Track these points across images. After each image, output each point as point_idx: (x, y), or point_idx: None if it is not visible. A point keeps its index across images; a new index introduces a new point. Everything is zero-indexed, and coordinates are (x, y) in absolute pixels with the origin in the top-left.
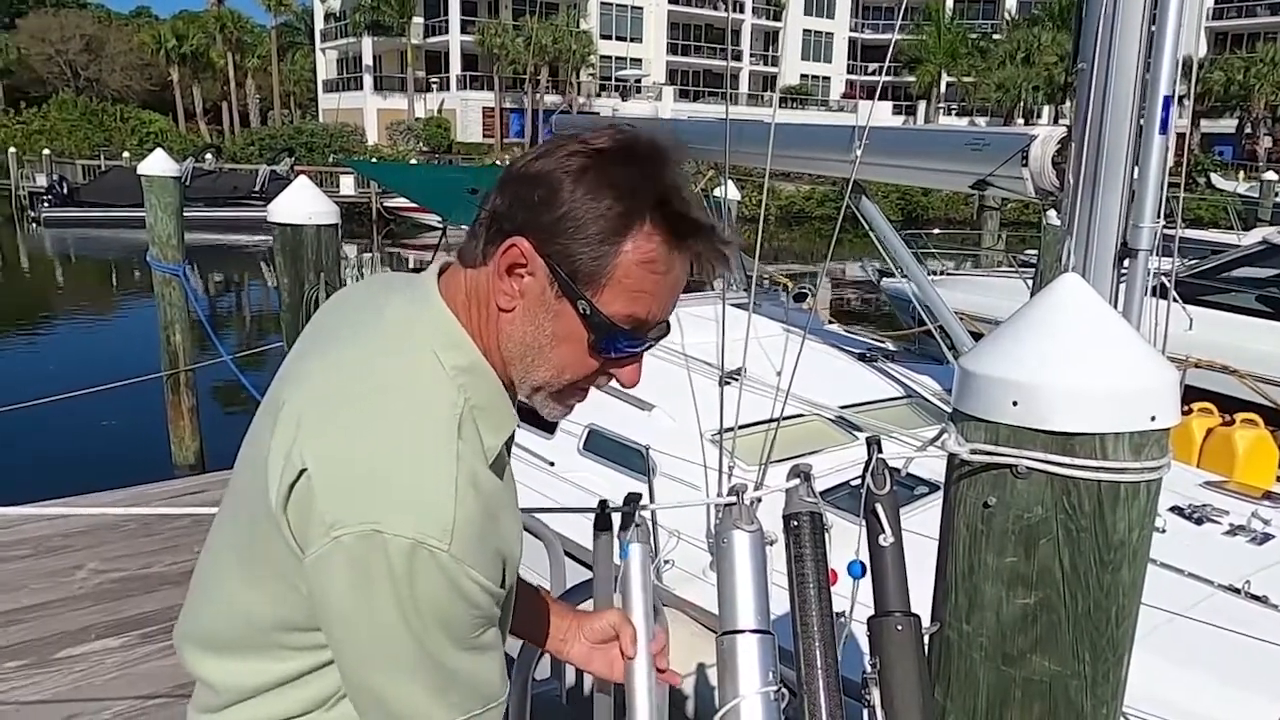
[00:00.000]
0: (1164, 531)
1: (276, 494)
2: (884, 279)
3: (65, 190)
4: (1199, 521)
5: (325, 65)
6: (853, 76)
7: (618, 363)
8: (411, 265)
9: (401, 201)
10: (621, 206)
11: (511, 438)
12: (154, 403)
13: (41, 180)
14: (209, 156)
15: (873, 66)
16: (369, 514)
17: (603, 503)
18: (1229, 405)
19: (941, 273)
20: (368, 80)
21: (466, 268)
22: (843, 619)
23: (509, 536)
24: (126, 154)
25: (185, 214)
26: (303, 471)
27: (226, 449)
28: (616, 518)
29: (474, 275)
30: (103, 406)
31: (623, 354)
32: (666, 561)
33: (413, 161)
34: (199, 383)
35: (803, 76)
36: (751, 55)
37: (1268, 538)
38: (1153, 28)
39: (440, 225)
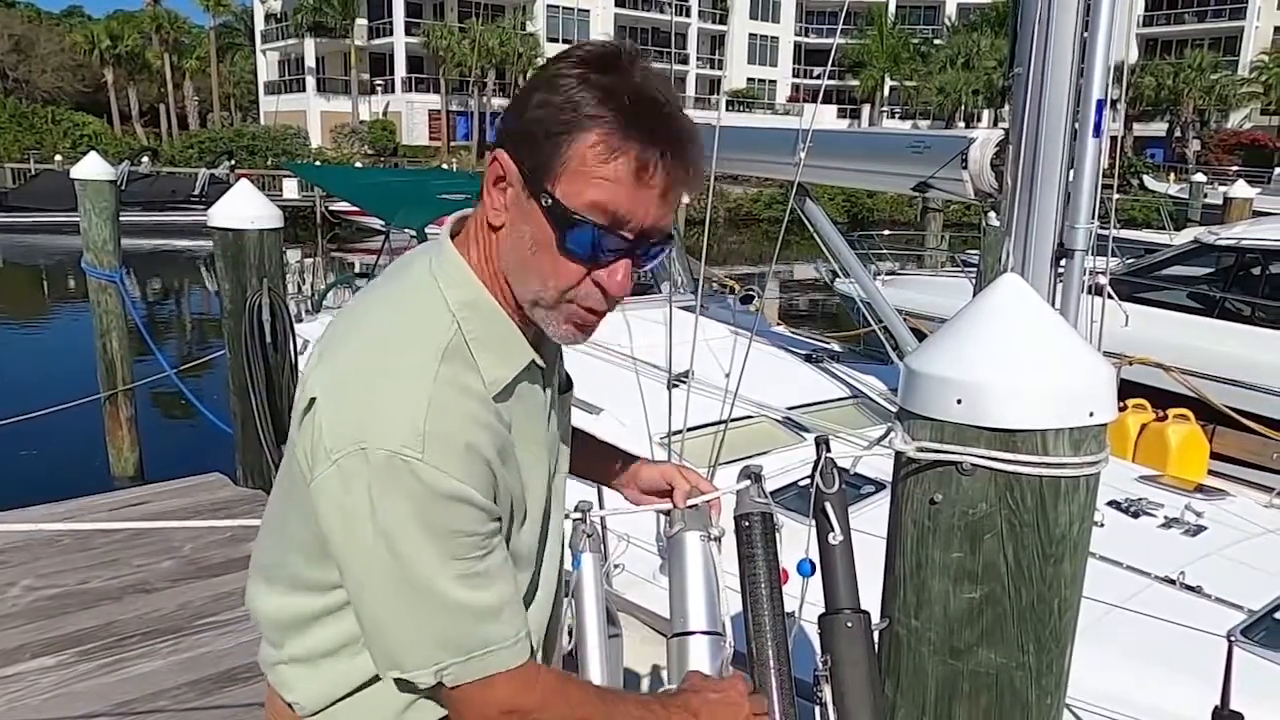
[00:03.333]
0: (1102, 525)
1: (295, 420)
2: (836, 280)
3: None
4: (1135, 515)
5: (266, 67)
6: (798, 80)
7: (599, 266)
8: (358, 270)
9: (346, 205)
10: (577, 97)
11: (551, 374)
12: (91, 412)
13: None
14: (145, 160)
15: (818, 70)
16: (357, 435)
17: None
18: (1162, 400)
19: (891, 273)
20: (310, 82)
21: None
22: (794, 617)
23: (525, 468)
24: (59, 157)
25: (121, 219)
26: (313, 400)
27: (166, 459)
28: (568, 525)
29: (479, 211)
30: (37, 416)
31: (596, 254)
32: (616, 566)
33: (358, 164)
34: (138, 392)
35: (749, 80)
36: (698, 59)
37: (1200, 529)
38: (1085, 34)
39: (384, 230)
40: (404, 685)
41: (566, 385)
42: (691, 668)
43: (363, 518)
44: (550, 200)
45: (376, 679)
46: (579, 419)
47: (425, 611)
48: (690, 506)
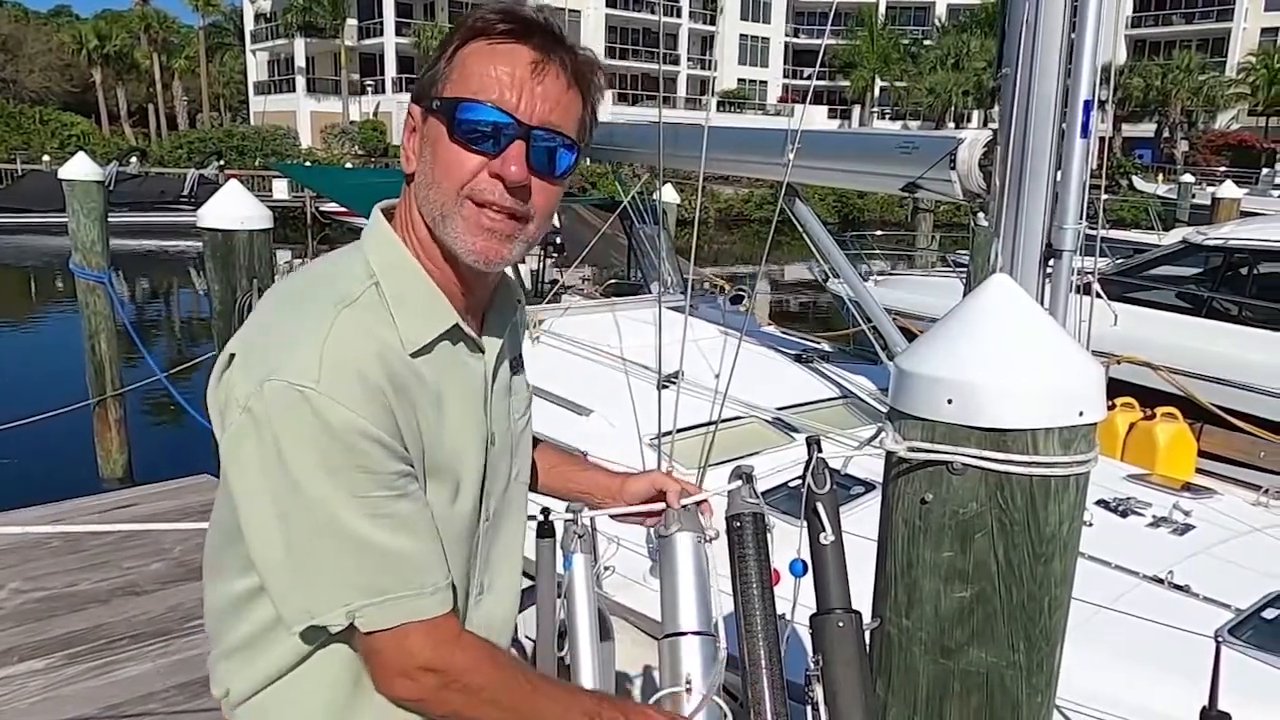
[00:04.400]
0: (1091, 524)
1: (214, 377)
2: (830, 280)
3: None
4: (1124, 514)
5: (256, 67)
6: (789, 81)
7: (493, 157)
8: None
9: (336, 206)
10: (460, 32)
11: (496, 358)
12: (80, 414)
13: None
14: (134, 160)
15: (808, 71)
16: (262, 373)
17: (545, 510)
18: (1150, 399)
19: (883, 273)
20: (300, 82)
21: None
22: (785, 618)
23: (453, 433)
24: (47, 158)
25: (110, 219)
26: (231, 356)
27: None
28: (560, 525)
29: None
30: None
31: (486, 139)
32: (607, 568)
33: (348, 165)
34: (127, 394)
35: (740, 81)
36: (689, 59)
37: (1188, 528)
38: (1073, 35)
39: None
40: (319, 641)
41: (518, 367)
42: (684, 668)
43: (266, 455)
44: (440, 102)
45: (302, 662)
46: (568, 427)
47: (332, 549)
48: (685, 506)
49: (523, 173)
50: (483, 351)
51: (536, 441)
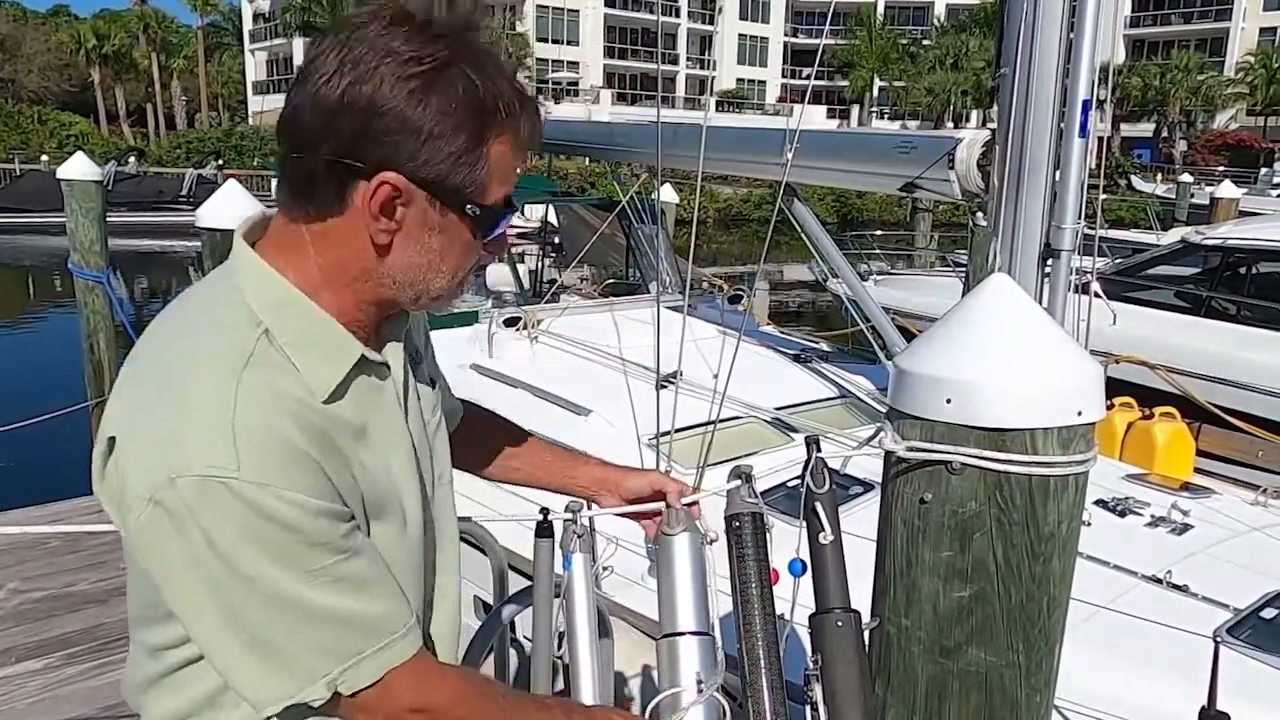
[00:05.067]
0: (1089, 524)
1: (96, 464)
2: (830, 279)
3: None
4: (1122, 514)
5: (255, 67)
6: (788, 81)
7: (494, 239)
8: None
9: None
10: (476, 110)
11: (398, 366)
12: (78, 414)
13: None
14: (132, 160)
15: (807, 71)
16: (166, 466)
17: (544, 510)
18: (1148, 398)
19: (883, 273)
20: None
21: (302, 222)
22: (784, 619)
23: (392, 469)
24: (45, 157)
25: (108, 219)
26: (111, 440)
27: None
28: (559, 525)
29: (318, 227)
30: (22, 417)
31: (501, 229)
32: (605, 568)
33: None
34: None
35: (739, 80)
36: (688, 59)
37: (1186, 528)
38: (1071, 35)
39: None
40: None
41: (417, 360)
42: (682, 668)
43: (196, 551)
44: (479, 210)
45: None
46: (567, 427)
47: (299, 626)
48: (686, 505)
49: (506, 241)
50: (389, 367)
51: (525, 434)
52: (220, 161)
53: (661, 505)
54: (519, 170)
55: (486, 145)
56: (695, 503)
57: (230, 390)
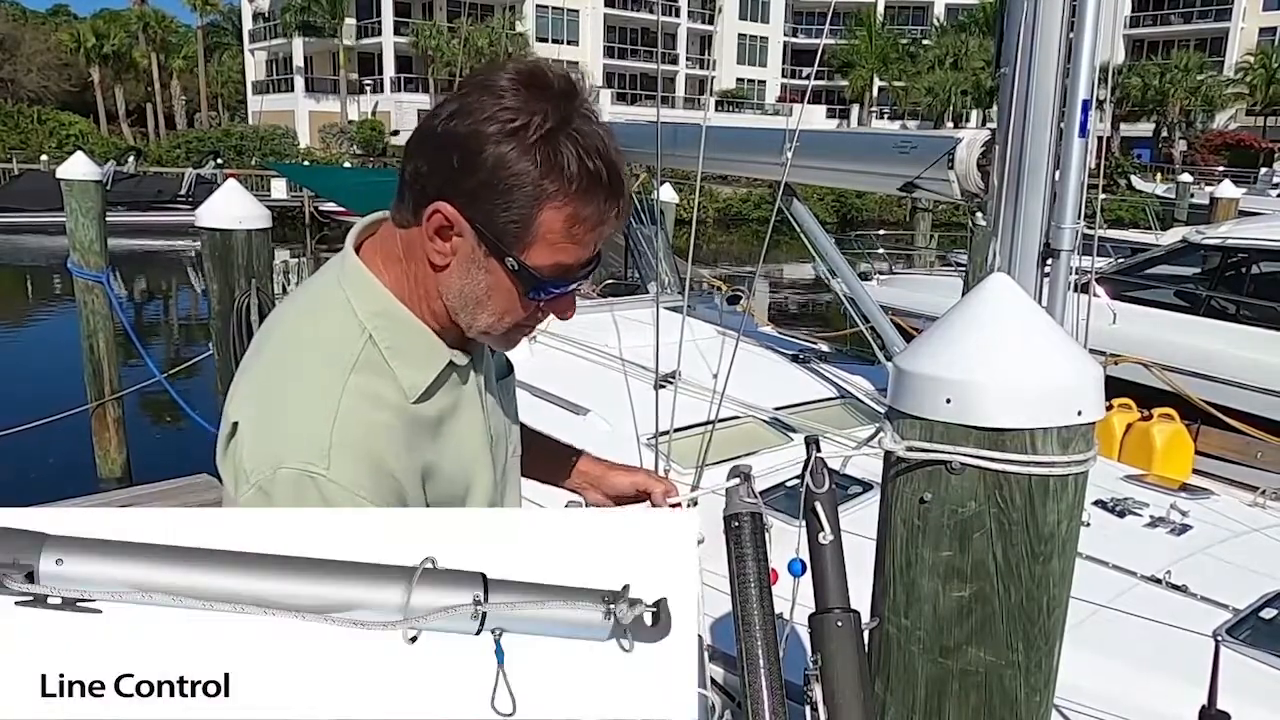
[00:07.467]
0: (1088, 524)
1: (220, 444)
2: (832, 279)
3: None
4: (1121, 514)
5: (254, 66)
6: (788, 80)
7: (553, 303)
8: None
9: (335, 205)
10: (538, 172)
11: (480, 362)
12: (78, 414)
13: None
14: (131, 159)
15: (807, 71)
16: (272, 456)
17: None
18: (1147, 398)
19: (884, 273)
20: (299, 82)
21: (399, 227)
22: (784, 619)
23: (467, 460)
24: (44, 157)
25: (108, 219)
26: (235, 425)
27: (154, 461)
28: None
29: (406, 234)
30: (22, 418)
31: (554, 296)
32: None
33: (346, 164)
34: (125, 394)
35: (739, 80)
36: (688, 59)
37: (1185, 528)
38: (1071, 34)
39: None
40: None
41: (506, 370)
42: None
43: None
44: (518, 266)
45: None
46: (565, 427)
47: None
48: (674, 505)
49: (574, 310)
50: (473, 367)
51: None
52: (220, 161)
53: (644, 506)
54: (584, 250)
55: (539, 208)
56: (679, 503)
57: (335, 395)
